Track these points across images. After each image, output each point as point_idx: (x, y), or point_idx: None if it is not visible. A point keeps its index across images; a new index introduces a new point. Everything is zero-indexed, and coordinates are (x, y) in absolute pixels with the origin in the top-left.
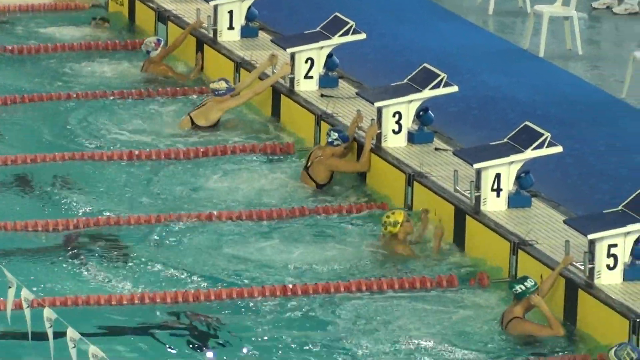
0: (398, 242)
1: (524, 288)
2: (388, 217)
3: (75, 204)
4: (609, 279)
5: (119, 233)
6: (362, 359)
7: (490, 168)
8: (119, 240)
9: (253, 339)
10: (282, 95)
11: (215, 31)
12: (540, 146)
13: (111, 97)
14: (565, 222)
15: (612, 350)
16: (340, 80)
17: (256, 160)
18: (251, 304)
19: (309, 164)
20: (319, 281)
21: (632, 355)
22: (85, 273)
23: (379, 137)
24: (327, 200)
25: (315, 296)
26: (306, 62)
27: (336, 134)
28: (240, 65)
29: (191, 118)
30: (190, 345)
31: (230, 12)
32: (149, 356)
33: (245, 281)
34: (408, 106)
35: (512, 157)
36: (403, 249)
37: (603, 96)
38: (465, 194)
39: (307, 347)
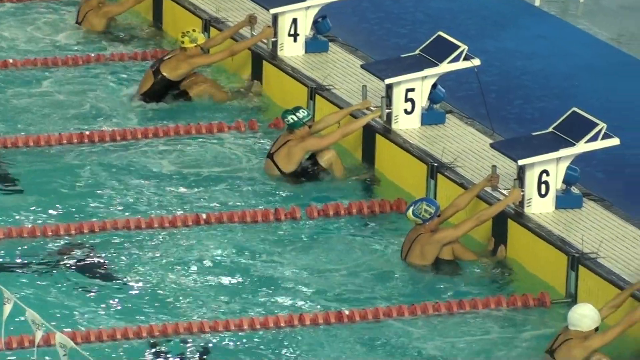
0: (185, 58)
1: (296, 118)
2: (194, 30)
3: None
4: (407, 124)
5: None
6: None
7: (287, 13)
8: None
9: None
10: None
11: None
12: None
13: None
14: (362, 66)
15: (410, 210)
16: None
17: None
18: None
19: None
20: None
21: (430, 209)
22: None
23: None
24: None
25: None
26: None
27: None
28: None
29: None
30: None
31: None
32: None
33: None
34: None
35: (309, 2)
36: (189, 65)
37: None
38: (263, 40)
39: None
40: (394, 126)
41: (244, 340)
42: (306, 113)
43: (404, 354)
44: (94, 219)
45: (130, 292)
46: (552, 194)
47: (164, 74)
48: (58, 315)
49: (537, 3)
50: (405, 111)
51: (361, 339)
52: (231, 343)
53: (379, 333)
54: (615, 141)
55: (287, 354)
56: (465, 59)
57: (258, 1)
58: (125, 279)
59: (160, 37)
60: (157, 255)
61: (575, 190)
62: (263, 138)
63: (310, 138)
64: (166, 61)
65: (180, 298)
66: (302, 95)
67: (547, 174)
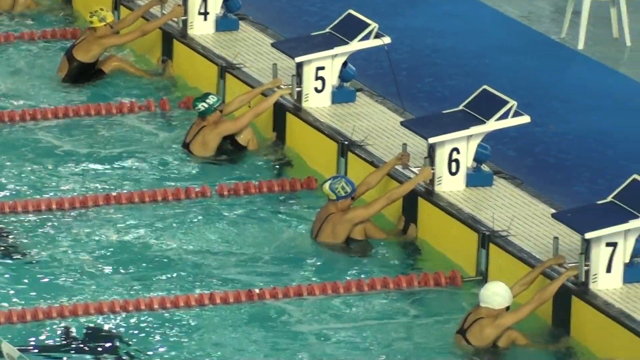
0: (96, 39)
1: (206, 105)
2: (102, 9)
3: None
4: (317, 102)
5: None
6: None
7: None
8: None
9: None
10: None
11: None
12: None
13: None
14: (272, 45)
15: (327, 184)
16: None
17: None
18: None
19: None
20: None
21: (347, 188)
22: None
23: None
24: None
25: None
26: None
27: None
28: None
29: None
30: None
31: None
32: None
33: None
34: None
35: None
36: (100, 46)
37: None
38: (173, 19)
39: None
40: (305, 104)
41: (153, 320)
42: (216, 99)
43: (314, 332)
44: (3, 200)
45: (40, 273)
46: (462, 172)
47: (78, 58)
48: None
49: None
50: (316, 89)
51: (269, 318)
52: (141, 323)
53: (288, 311)
54: (525, 119)
55: (191, 333)
56: (376, 37)
57: None
58: (34, 260)
59: (71, 15)
60: (68, 235)
61: (485, 168)
62: (174, 117)
63: (224, 123)
64: (78, 45)
65: (91, 278)
66: (212, 74)
67: (458, 152)
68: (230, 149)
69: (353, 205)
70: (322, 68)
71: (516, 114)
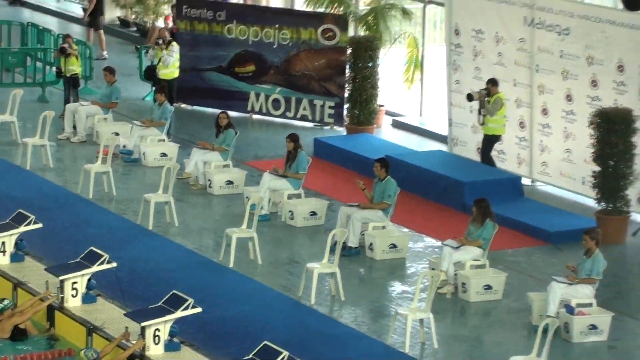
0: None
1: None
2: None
3: None
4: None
5: None
6: None
7: None
8: None
9: None
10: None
11: None
12: None
13: None
14: None
15: (82, 352)
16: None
17: None
18: None
19: None
20: None
21: (94, 355)
22: None
23: None
24: None
25: None
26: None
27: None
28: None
29: None
30: None
31: None
32: None
33: None
34: None
35: None
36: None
37: None
38: None
39: None
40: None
41: None
42: (7, 301)
43: None
44: None
45: None
46: (162, 343)
47: None
48: None
49: (150, 227)
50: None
51: None
52: None
53: None
54: (197, 310)
55: None
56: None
57: None
58: None
59: None
60: None
61: (175, 339)
62: None
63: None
64: None
65: None
66: None
67: (159, 330)
68: None
69: None
70: None
71: (193, 307)
